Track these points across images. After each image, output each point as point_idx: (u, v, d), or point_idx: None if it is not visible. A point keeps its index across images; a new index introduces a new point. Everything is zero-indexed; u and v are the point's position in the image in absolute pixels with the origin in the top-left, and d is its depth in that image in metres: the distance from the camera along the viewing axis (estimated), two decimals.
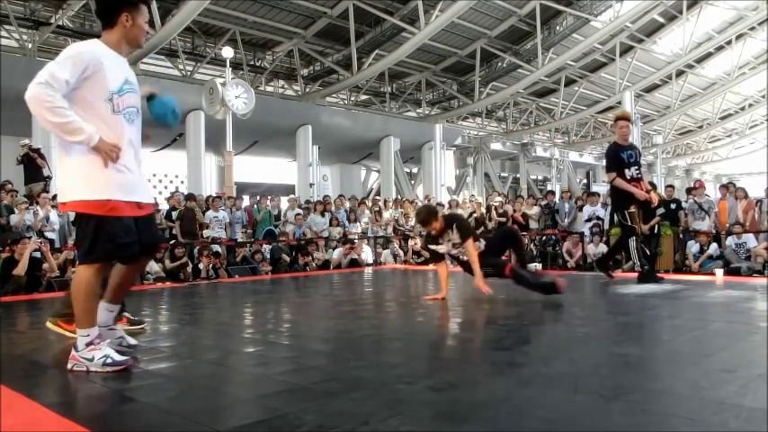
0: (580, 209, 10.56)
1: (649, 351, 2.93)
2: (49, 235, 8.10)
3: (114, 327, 2.92)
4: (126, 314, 3.62)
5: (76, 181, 2.49)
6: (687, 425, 1.75)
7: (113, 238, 2.50)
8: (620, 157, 5.79)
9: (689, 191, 10.16)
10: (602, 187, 22.50)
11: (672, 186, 10.75)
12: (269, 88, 21.28)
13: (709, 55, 24.99)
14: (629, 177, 5.75)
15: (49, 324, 3.30)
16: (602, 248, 9.19)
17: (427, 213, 5.07)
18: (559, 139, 32.36)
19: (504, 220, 10.75)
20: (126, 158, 2.56)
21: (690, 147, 37.42)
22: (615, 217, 6.40)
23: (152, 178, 19.20)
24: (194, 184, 15.46)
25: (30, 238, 7.02)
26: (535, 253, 10.12)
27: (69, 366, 2.54)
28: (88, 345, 2.52)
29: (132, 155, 2.61)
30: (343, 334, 3.60)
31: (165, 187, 18.37)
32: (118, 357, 2.55)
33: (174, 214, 9.27)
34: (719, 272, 6.74)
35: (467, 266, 4.97)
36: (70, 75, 2.38)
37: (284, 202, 11.73)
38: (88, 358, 2.51)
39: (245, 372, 2.66)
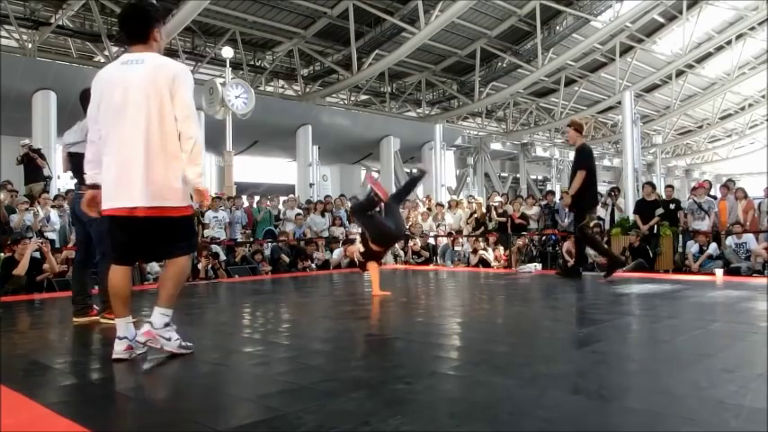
0: None
1: (649, 351, 2.93)
2: (50, 235, 8.10)
3: None
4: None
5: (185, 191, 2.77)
6: (687, 425, 1.75)
7: None
8: None
9: (694, 190, 10.16)
10: (601, 187, 22.50)
11: (671, 186, 10.73)
12: (269, 88, 21.26)
13: (709, 55, 24.97)
14: None
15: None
16: None
17: None
18: (559, 139, 32.33)
19: (504, 220, 10.74)
20: None
21: (690, 147, 37.41)
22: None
23: None
24: None
25: (30, 238, 7.02)
26: (535, 253, 10.10)
27: (143, 340, 2.70)
28: (167, 325, 2.75)
29: None
30: (343, 334, 3.60)
31: None
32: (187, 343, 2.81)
33: None
34: (719, 272, 6.74)
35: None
36: None
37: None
38: (165, 337, 2.73)
39: (245, 372, 2.66)
